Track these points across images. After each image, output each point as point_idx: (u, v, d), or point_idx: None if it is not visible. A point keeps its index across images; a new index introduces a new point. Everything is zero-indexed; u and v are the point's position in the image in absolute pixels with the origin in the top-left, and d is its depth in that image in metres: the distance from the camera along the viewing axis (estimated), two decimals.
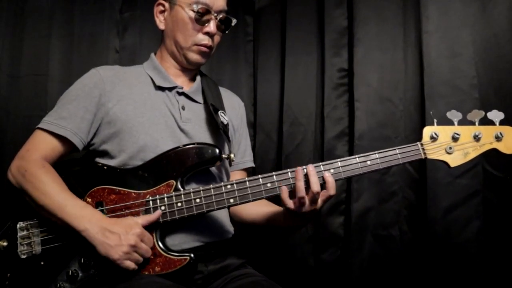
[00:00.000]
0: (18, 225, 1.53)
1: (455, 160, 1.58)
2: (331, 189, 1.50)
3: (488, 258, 2.07)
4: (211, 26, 1.70)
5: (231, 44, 2.76)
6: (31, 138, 1.62)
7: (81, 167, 1.65)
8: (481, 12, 2.11)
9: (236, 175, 1.90)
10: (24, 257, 1.50)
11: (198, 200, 1.52)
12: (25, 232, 1.52)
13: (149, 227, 1.50)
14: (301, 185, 1.49)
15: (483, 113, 1.58)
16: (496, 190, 2.08)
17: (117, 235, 1.42)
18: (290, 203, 1.50)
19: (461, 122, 1.60)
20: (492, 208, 2.08)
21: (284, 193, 1.51)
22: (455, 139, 1.57)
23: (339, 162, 1.54)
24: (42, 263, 1.51)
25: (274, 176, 1.53)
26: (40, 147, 1.59)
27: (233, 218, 1.87)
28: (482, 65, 2.11)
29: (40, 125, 1.61)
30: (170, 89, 1.75)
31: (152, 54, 1.84)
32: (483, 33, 2.11)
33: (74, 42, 2.48)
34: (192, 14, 1.68)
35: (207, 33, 1.71)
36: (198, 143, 1.61)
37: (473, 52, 2.12)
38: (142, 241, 1.45)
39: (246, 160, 1.96)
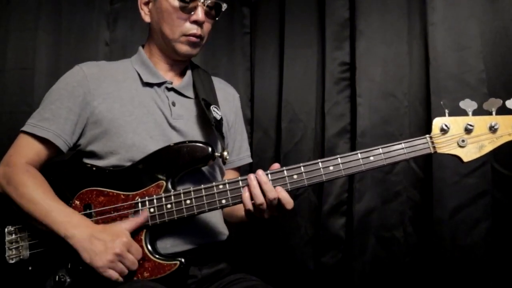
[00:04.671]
0: (6, 229, 1.54)
1: (468, 154, 1.49)
2: (288, 204, 1.45)
3: (497, 261, 2.06)
4: (199, 14, 1.64)
5: (227, 37, 2.74)
6: (15, 142, 1.62)
7: (69, 169, 1.64)
8: (490, 2, 2.10)
9: (230, 174, 1.88)
10: (13, 262, 1.51)
11: (188, 202, 1.49)
12: (13, 236, 1.53)
13: (137, 229, 1.48)
14: (257, 192, 1.45)
15: (501, 101, 1.48)
16: (505, 190, 2.07)
17: (103, 242, 1.40)
18: (249, 205, 1.46)
19: (477, 113, 1.51)
20: (501, 208, 2.08)
21: (246, 193, 1.47)
22: (468, 131, 1.49)
23: (339, 159, 1.49)
24: (30, 268, 1.51)
25: (269, 175, 1.49)
26: (24, 151, 1.59)
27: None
28: (490, 59, 2.10)
29: (23, 128, 1.60)
30: (159, 84, 1.71)
31: (140, 48, 1.80)
32: (492, 24, 2.10)
33: (62, 35, 2.48)
34: (177, 3, 1.62)
35: (195, 22, 1.65)
36: (189, 141, 1.58)
37: (481, 44, 2.11)
38: (129, 251, 1.42)
39: (242, 157, 1.93)
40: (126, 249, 1.42)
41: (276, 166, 1.51)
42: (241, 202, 1.48)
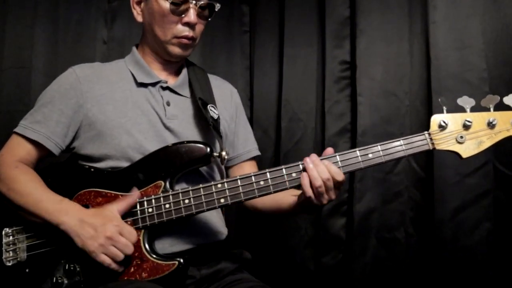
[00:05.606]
0: (3, 232, 1.55)
1: (467, 150, 1.49)
2: (338, 175, 1.45)
3: (498, 261, 2.06)
4: (191, 16, 1.63)
5: (225, 35, 2.74)
6: (7, 143, 1.64)
7: (67, 170, 1.65)
8: (491, 1, 2.10)
9: (246, 167, 1.87)
10: (10, 264, 1.52)
11: (187, 201, 1.49)
12: (10, 238, 1.54)
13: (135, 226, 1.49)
14: (315, 173, 1.44)
15: (498, 98, 1.49)
16: (507, 190, 2.07)
17: (93, 226, 1.41)
18: (310, 191, 1.45)
19: (475, 109, 1.52)
20: (503, 209, 2.07)
21: (305, 179, 1.46)
22: (466, 127, 1.49)
23: (337, 156, 1.50)
24: (27, 270, 1.52)
25: (268, 174, 1.50)
26: (15, 151, 1.61)
27: (248, 209, 1.84)
28: (492, 57, 2.10)
29: (16, 129, 1.62)
30: (153, 84, 1.71)
31: (134, 47, 1.80)
32: (494, 23, 2.10)
33: (60, 33, 2.47)
34: (167, 5, 1.61)
35: (187, 24, 1.65)
36: (187, 142, 1.59)
37: (483, 43, 2.11)
38: (121, 234, 1.42)
39: (250, 149, 1.91)
40: (118, 232, 1.42)
41: (330, 150, 1.53)
42: (241, 201, 1.49)
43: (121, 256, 1.42)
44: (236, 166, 1.87)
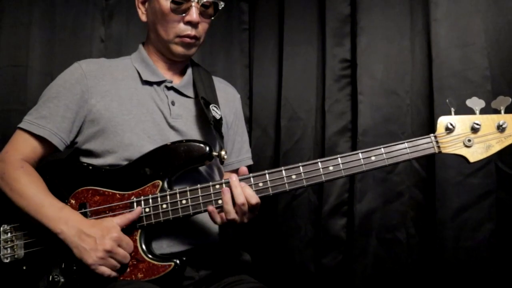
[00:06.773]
0: (1, 228, 1.56)
1: (475, 154, 1.47)
2: (251, 198, 1.46)
3: (501, 263, 2.06)
4: (193, 15, 1.63)
5: (224, 33, 2.74)
6: (11, 138, 1.63)
7: (66, 167, 1.65)
8: None
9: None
10: (7, 261, 1.53)
11: (184, 201, 1.49)
12: (8, 235, 1.55)
13: (131, 229, 1.49)
14: (229, 207, 1.46)
15: (510, 99, 1.46)
16: (510, 190, 2.06)
17: (93, 238, 1.41)
18: (218, 220, 1.49)
19: (484, 111, 1.49)
20: (506, 209, 2.07)
21: (213, 213, 1.48)
22: (475, 130, 1.46)
23: (339, 159, 1.49)
24: (24, 267, 1.53)
25: (267, 175, 1.49)
26: (20, 148, 1.60)
27: None
28: (495, 55, 2.09)
29: (20, 125, 1.62)
30: (159, 83, 1.71)
31: (141, 45, 1.80)
32: (496, 20, 2.10)
33: (56, 31, 2.47)
34: (169, 4, 1.61)
35: (189, 23, 1.64)
36: (186, 140, 1.59)
37: (485, 41, 2.10)
38: (120, 246, 1.44)
39: (242, 158, 1.92)
40: (117, 244, 1.43)
41: (244, 169, 1.55)
42: None
43: (118, 266, 1.44)
44: (226, 174, 1.87)
